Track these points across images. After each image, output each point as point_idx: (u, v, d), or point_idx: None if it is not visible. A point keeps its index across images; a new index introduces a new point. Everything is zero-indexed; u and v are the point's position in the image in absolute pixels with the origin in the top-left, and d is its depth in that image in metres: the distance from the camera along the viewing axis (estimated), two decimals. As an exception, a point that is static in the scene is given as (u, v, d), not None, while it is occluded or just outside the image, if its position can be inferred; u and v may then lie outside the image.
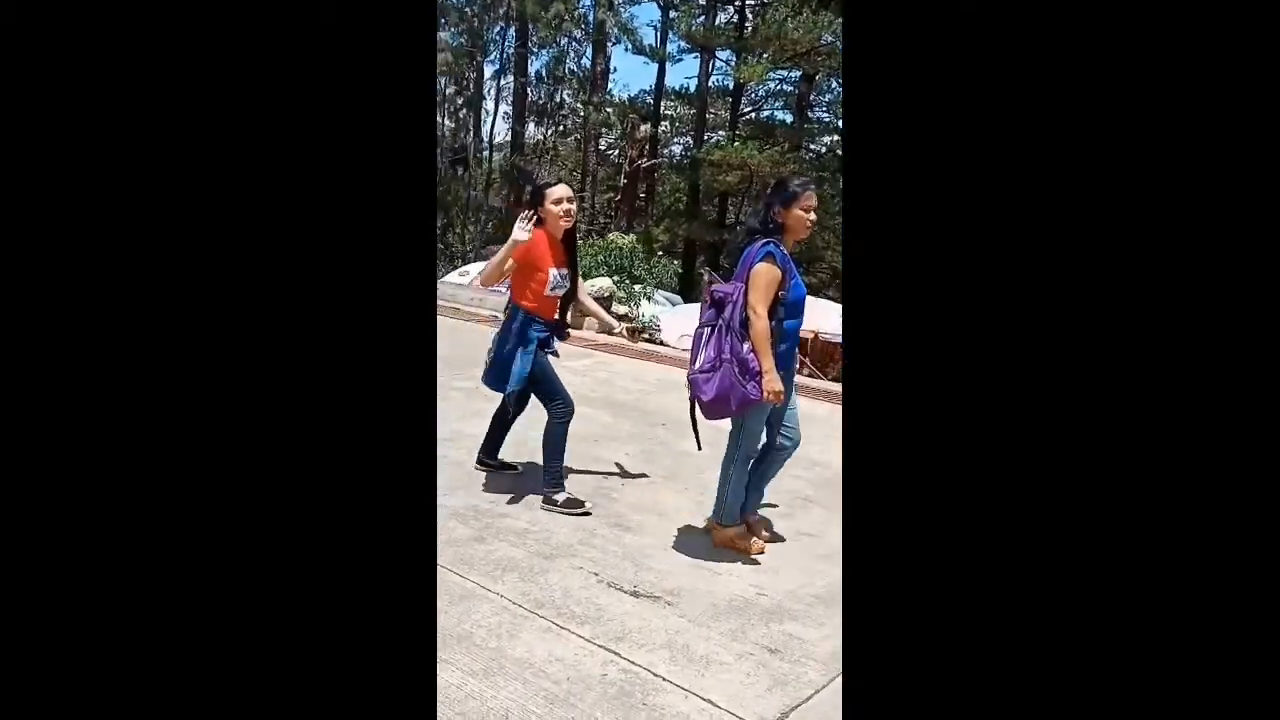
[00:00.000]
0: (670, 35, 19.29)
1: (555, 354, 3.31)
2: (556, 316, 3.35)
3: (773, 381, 2.80)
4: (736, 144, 16.85)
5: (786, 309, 2.90)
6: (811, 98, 18.65)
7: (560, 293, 3.29)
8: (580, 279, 3.49)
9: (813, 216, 2.94)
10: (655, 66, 19.87)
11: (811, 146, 18.52)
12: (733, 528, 3.13)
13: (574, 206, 3.30)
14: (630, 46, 19.31)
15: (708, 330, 2.91)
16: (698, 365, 2.88)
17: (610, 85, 20.92)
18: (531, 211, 3.12)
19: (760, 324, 2.81)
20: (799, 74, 18.25)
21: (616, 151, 21.81)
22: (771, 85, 19.49)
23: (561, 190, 3.28)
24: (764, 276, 2.82)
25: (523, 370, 3.15)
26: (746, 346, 2.82)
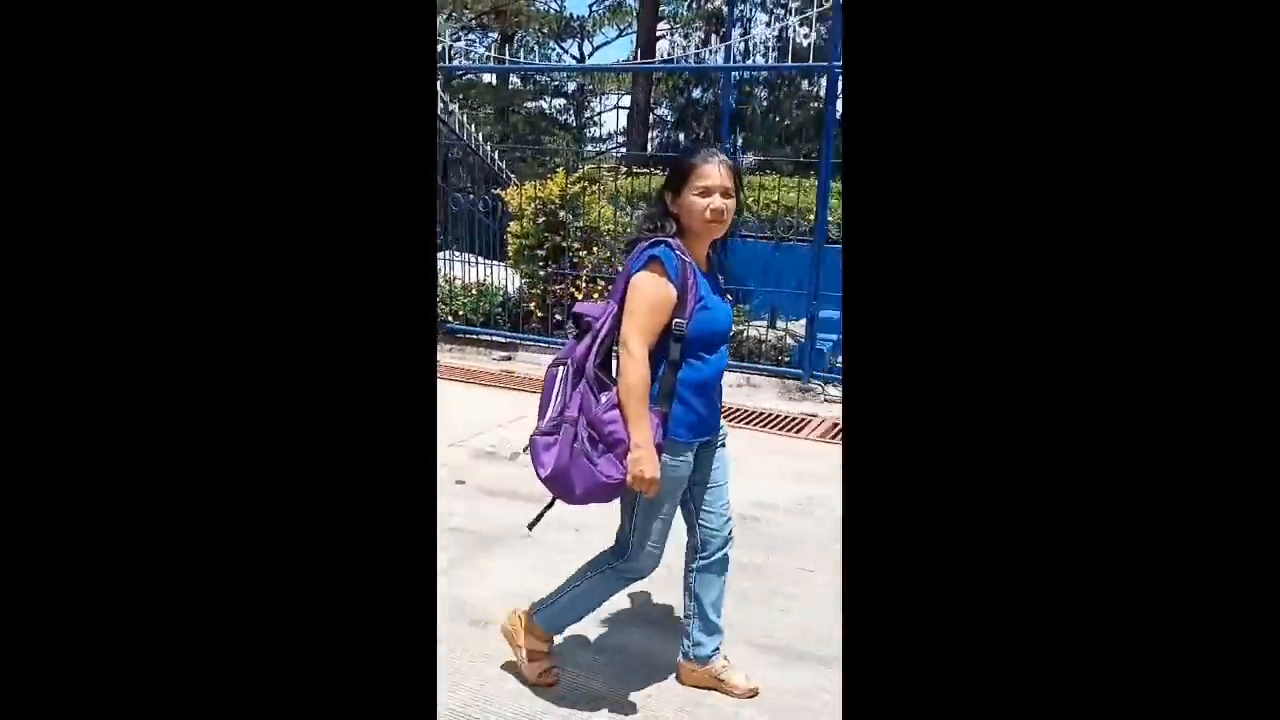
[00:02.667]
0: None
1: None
2: None
3: (645, 461, 1.81)
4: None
5: (691, 345, 1.89)
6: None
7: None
8: None
9: (716, 202, 1.87)
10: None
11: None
12: (536, 656, 2.16)
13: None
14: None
15: (562, 370, 1.94)
16: (543, 421, 1.93)
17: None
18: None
19: (633, 369, 1.82)
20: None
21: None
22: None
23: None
24: (645, 295, 1.84)
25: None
26: (606, 401, 1.85)
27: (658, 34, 15.74)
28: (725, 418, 2.43)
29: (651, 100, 17.20)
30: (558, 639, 2.26)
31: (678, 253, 1.89)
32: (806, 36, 5.98)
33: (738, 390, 5.43)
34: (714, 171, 1.89)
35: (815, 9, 5.36)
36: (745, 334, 5.90)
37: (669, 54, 9.01)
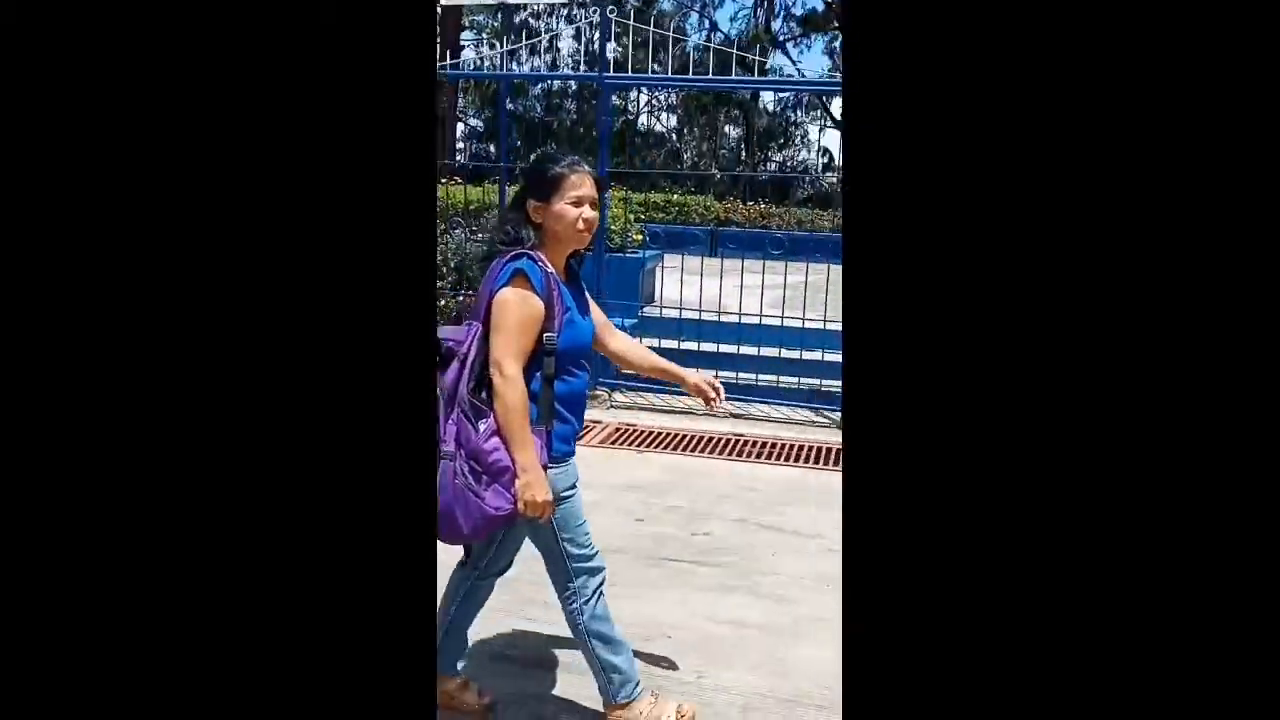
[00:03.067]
0: None
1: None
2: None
3: (535, 485, 1.75)
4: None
5: (561, 358, 1.82)
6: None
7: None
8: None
9: (588, 213, 1.84)
10: None
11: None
12: (636, 705, 2.03)
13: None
14: None
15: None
16: None
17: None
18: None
19: (511, 390, 1.73)
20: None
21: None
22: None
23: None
24: (512, 312, 1.76)
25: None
26: (485, 428, 1.75)
27: (461, 43, 15.55)
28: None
29: (459, 110, 16.97)
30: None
31: (540, 264, 1.81)
32: (613, 51, 6.04)
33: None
34: (585, 181, 1.86)
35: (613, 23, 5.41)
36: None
37: (476, 63, 8.88)
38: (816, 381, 5.29)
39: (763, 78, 9.88)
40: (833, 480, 4.04)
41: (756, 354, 5.28)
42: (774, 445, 4.58)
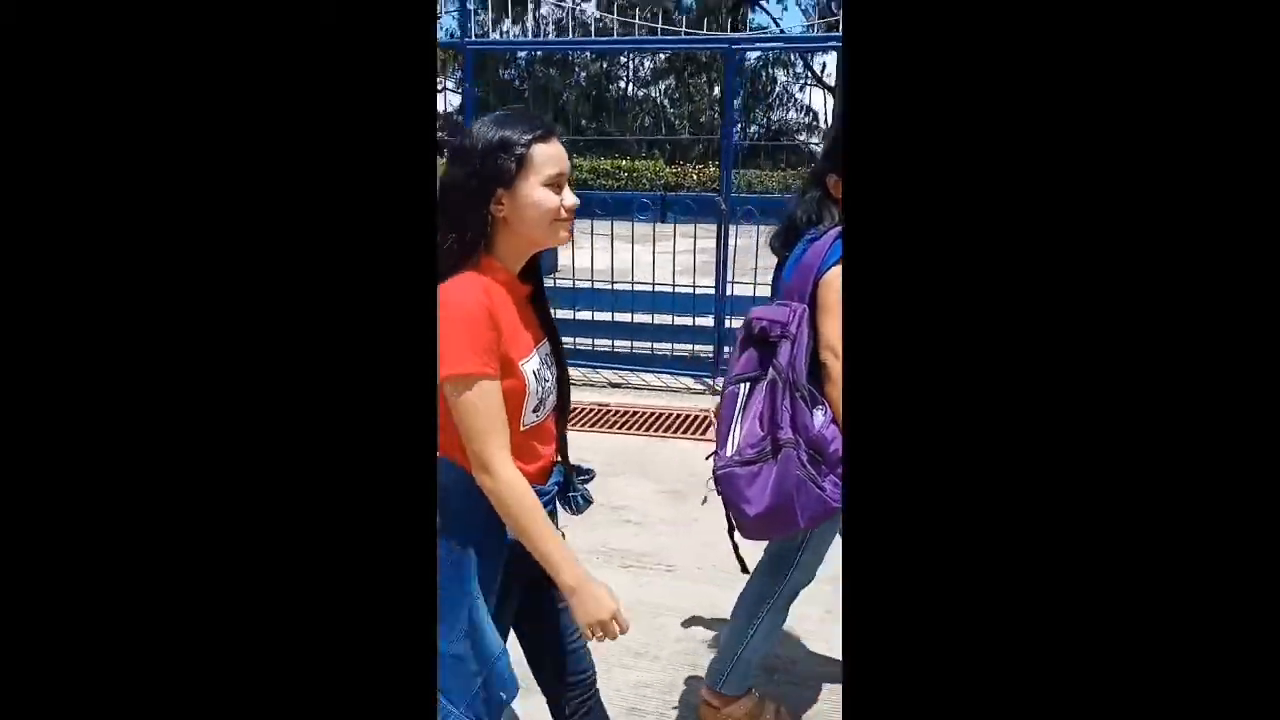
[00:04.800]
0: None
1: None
2: (556, 457, 1.45)
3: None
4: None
5: None
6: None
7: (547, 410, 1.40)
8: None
9: None
10: None
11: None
12: (742, 700, 1.98)
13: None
14: None
15: (745, 387, 1.69)
16: (732, 449, 1.66)
17: None
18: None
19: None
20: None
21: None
22: None
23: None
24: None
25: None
26: (822, 416, 1.61)
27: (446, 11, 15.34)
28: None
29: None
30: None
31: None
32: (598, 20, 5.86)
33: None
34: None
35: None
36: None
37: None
38: (689, 348, 5.24)
39: (646, 37, 9.09)
40: (667, 449, 4.03)
41: (650, 322, 5.22)
42: (630, 413, 4.55)
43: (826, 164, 1.77)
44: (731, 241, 5.05)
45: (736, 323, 5.06)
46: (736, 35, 6.26)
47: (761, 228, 5.00)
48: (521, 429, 1.31)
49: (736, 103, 5.39)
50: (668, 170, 12.48)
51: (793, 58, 20.95)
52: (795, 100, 22.50)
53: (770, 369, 1.65)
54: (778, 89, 22.54)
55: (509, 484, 1.23)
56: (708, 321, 5.15)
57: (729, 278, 5.05)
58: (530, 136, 1.27)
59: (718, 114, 21.55)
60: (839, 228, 1.68)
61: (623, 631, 1.30)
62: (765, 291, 5.17)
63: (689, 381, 5.07)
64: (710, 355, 5.18)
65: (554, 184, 1.28)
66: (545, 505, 1.32)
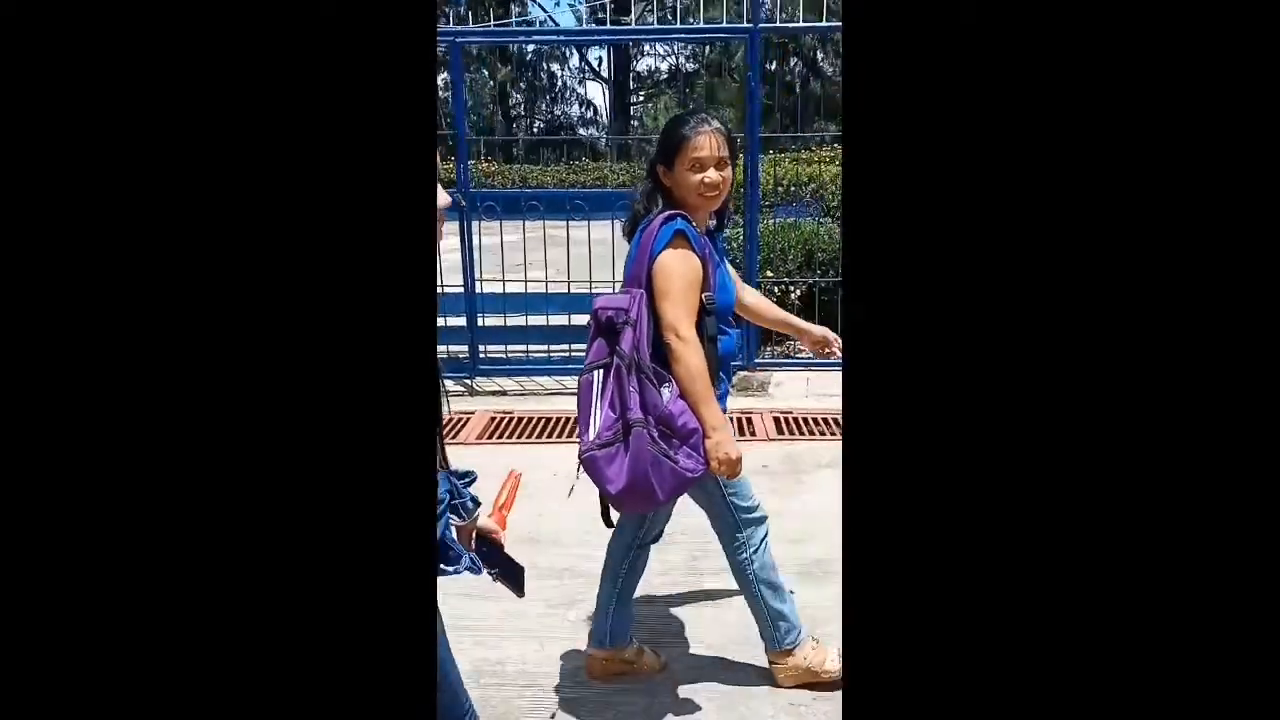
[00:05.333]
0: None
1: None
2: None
3: (726, 443, 1.78)
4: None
5: (718, 316, 1.86)
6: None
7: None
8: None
9: (712, 175, 1.83)
10: None
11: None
12: (800, 651, 2.11)
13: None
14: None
15: (600, 374, 1.81)
16: (592, 434, 1.78)
17: None
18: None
19: (691, 352, 1.75)
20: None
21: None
22: None
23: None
24: (679, 273, 1.78)
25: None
26: (669, 393, 1.76)
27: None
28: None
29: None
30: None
31: (692, 227, 1.83)
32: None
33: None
34: (709, 141, 1.83)
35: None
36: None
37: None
38: (444, 349, 5.12)
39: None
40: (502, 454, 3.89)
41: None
42: (503, 420, 4.43)
43: (657, 156, 1.93)
44: (475, 239, 4.95)
45: (493, 320, 5.09)
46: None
47: (507, 223, 5.00)
48: None
49: (466, 95, 5.29)
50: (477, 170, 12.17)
51: (568, 51, 21.08)
52: (575, 94, 22.69)
53: (615, 355, 1.79)
54: (558, 83, 22.65)
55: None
56: (460, 321, 5.03)
57: (476, 275, 4.96)
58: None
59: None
60: (665, 213, 1.84)
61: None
62: (516, 289, 5.17)
63: (449, 384, 4.94)
64: (466, 355, 5.06)
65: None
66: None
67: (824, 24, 5.75)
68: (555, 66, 22.29)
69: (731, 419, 4.29)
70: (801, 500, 3.34)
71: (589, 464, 1.79)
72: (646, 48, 20.64)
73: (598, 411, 1.79)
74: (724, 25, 6.45)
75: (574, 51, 20.93)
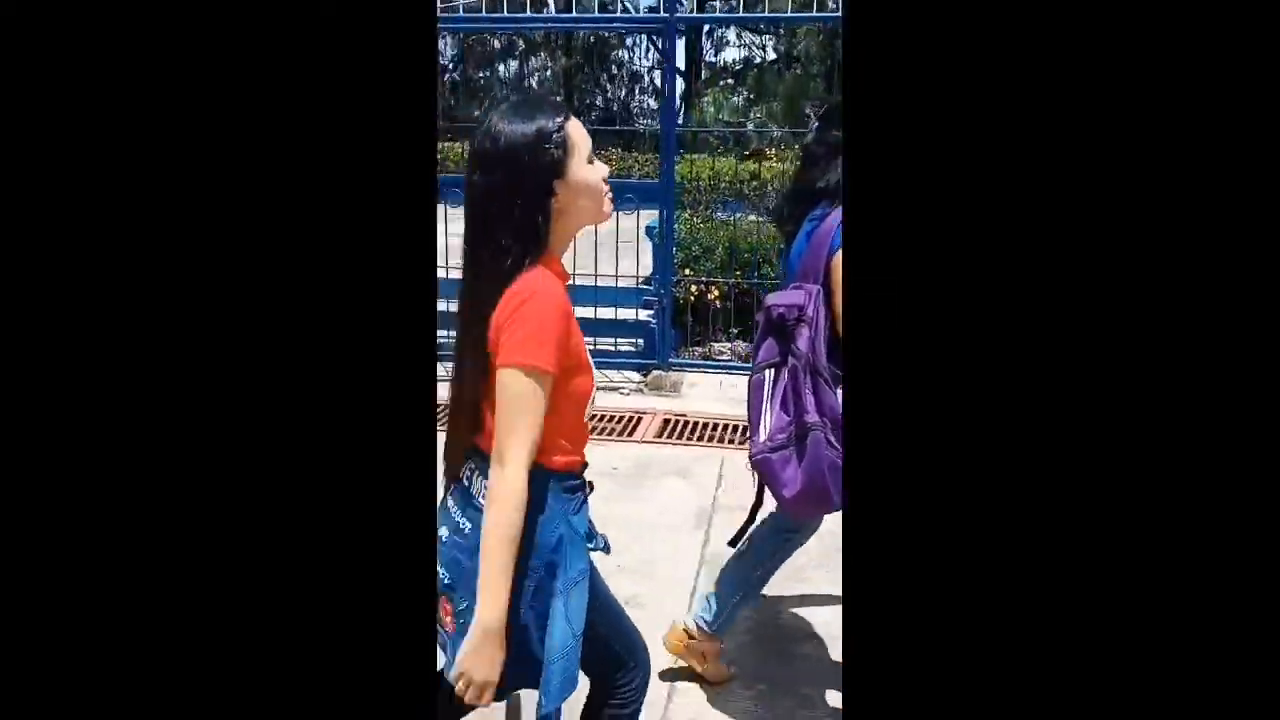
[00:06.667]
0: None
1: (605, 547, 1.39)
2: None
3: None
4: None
5: None
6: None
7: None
8: None
9: None
10: None
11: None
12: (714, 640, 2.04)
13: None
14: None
15: (770, 373, 1.72)
16: (764, 435, 1.69)
17: None
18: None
19: None
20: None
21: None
22: None
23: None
24: None
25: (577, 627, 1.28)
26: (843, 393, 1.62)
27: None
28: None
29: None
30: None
31: None
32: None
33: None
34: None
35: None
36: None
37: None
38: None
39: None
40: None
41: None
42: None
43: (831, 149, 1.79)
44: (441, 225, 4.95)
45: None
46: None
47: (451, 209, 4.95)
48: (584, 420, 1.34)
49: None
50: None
51: (634, 40, 20.89)
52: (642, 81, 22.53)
53: (790, 355, 1.69)
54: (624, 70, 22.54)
55: (518, 489, 1.19)
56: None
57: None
58: (561, 118, 1.23)
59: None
60: (835, 204, 1.72)
61: (484, 705, 1.26)
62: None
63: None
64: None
65: (590, 159, 1.26)
66: (580, 492, 1.35)
67: (747, 15, 5.40)
68: (623, 54, 22.20)
69: (624, 416, 4.22)
70: (629, 507, 3.26)
71: (763, 466, 1.72)
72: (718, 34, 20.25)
73: (769, 413, 1.71)
74: (636, 15, 5.66)
75: (642, 39, 20.74)
